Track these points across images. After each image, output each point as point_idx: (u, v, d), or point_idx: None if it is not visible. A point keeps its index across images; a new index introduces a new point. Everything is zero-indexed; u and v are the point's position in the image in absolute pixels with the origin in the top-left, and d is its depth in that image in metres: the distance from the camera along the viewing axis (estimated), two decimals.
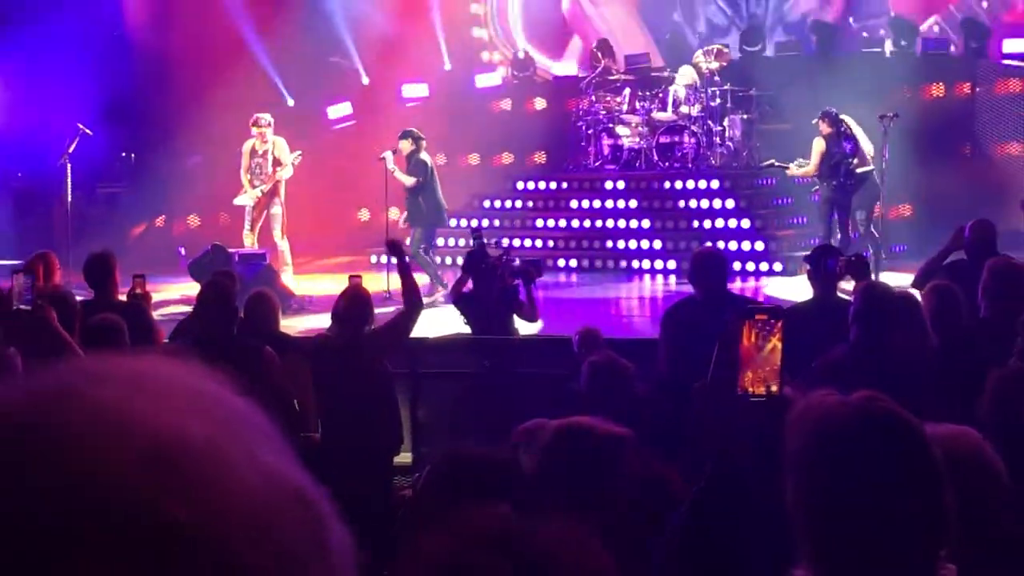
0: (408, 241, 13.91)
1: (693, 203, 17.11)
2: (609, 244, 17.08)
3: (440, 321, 11.23)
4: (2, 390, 0.75)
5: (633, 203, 17.21)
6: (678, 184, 17.31)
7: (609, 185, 17.57)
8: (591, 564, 1.39)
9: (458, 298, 9.93)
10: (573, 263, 16.84)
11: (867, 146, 14.70)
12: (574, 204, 17.80)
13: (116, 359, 0.78)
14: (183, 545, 0.68)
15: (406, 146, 14.55)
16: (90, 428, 0.70)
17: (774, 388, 2.92)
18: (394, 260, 8.57)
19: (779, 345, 2.94)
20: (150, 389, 0.75)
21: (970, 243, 8.88)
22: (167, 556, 0.68)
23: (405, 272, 8.10)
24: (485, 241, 10.40)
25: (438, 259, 15.83)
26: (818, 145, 14.38)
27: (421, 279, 10.84)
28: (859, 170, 14.40)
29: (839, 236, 14.00)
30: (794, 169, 14.81)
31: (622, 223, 17.02)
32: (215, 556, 0.69)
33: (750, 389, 2.91)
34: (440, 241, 17.52)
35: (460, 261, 10.92)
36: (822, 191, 14.43)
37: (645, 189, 17.50)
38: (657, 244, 16.70)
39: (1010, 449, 3.40)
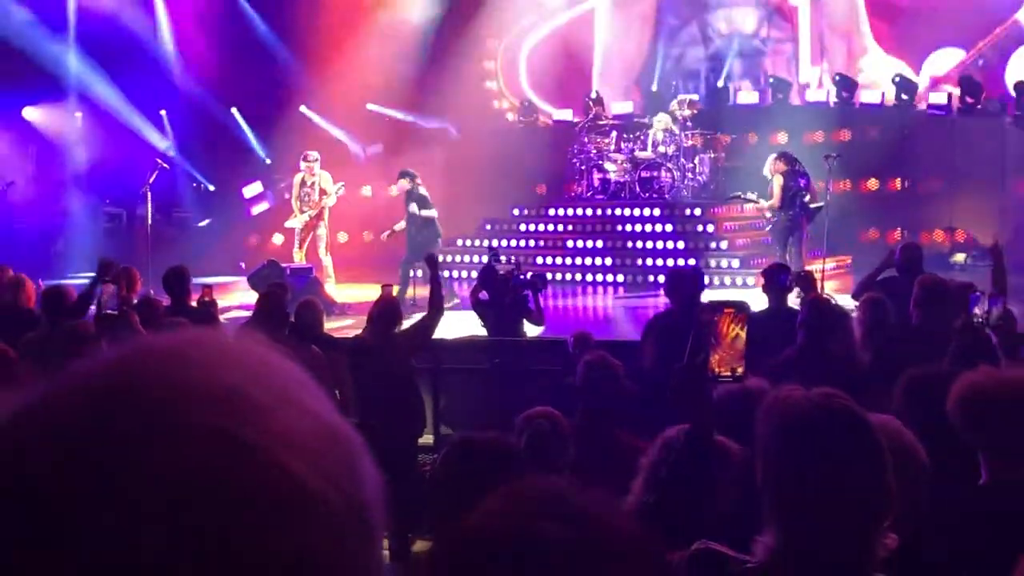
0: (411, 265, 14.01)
1: (638, 227, 17.14)
2: (578, 260, 17.11)
3: (459, 325, 11.23)
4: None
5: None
6: (626, 211, 17.38)
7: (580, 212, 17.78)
8: (634, 527, 1.35)
9: (476, 304, 9.91)
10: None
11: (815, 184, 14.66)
12: (550, 227, 17.95)
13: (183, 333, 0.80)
14: (256, 464, 0.70)
15: (405, 183, 14.45)
16: (168, 380, 0.72)
17: (739, 371, 2.95)
18: (427, 270, 8.56)
19: (743, 335, 2.96)
20: (206, 352, 0.76)
21: (900, 262, 8.89)
22: (244, 472, 0.69)
23: (436, 281, 8.09)
24: (501, 257, 10.39)
25: (456, 273, 15.81)
26: (778, 181, 14.21)
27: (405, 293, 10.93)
28: (812, 205, 14.31)
29: (792, 259, 13.88)
30: (762, 202, 14.61)
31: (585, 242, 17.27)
32: (281, 474, 0.70)
33: (719, 371, 2.93)
34: (457, 258, 17.55)
35: (475, 274, 10.92)
36: (779, 221, 14.24)
37: (600, 216, 17.70)
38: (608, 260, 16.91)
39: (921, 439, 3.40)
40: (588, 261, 16.94)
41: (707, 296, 8.90)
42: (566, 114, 20.68)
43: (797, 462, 2.18)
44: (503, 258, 10.97)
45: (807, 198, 14.28)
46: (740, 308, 3.02)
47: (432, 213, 14.45)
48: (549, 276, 14.03)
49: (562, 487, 1.37)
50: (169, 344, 0.76)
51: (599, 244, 17.11)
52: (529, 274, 10.43)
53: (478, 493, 1.36)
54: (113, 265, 8.65)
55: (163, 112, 20.35)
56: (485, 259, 11.25)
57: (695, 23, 22.22)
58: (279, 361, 0.79)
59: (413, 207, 14.36)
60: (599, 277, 16.70)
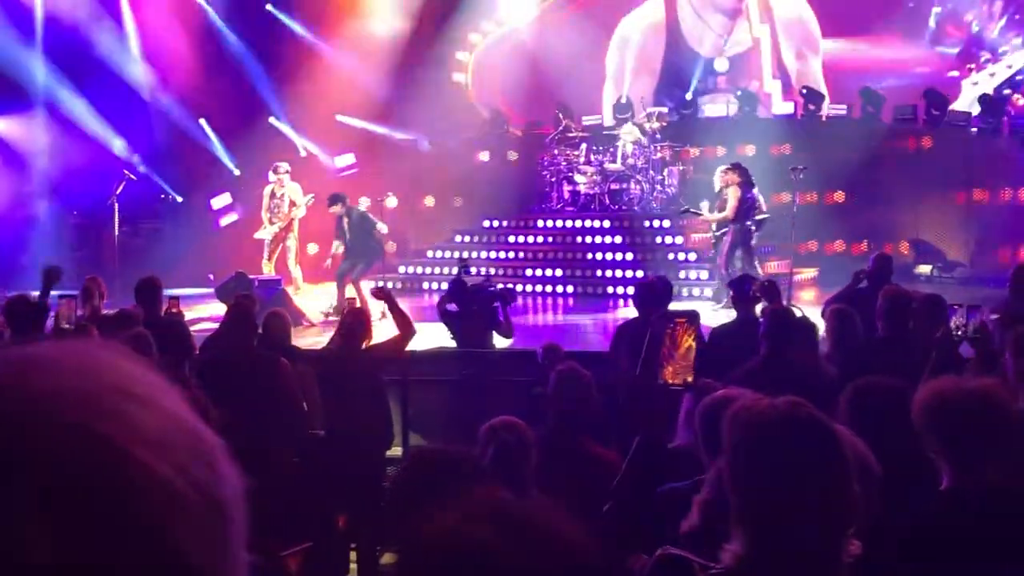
0: (353, 273, 14.10)
1: (605, 239, 17.27)
2: (538, 272, 17.23)
3: (427, 336, 11.22)
4: None
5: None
6: (595, 223, 17.50)
7: (540, 224, 17.80)
8: (571, 530, 1.40)
9: (444, 314, 9.92)
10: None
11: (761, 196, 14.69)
12: (522, 239, 17.98)
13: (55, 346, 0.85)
14: (114, 454, 0.76)
15: (338, 210, 14.36)
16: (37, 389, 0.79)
17: (689, 379, 2.97)
18: (382, 303, 8.50)
19: (694, 345, 2.98)
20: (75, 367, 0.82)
21: (871, 272, 8.98)
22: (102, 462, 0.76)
23: (395, 310, 8.03)
24: (472, 269, 10.42)
25: (426, 284, 15.81)
26: (734, 192, 14.19)
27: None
28: (758, 217, 14.37)
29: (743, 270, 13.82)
30: (712, 215, 14.56)
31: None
32: (138, 466, 0.77)
33: (670, 380, 2.95)
34: (428, 269, 17.55)
35: (446, 285, 10.92)
36: (733, 234, 14.18)
37: (560, 228, 17.83)
38: (559, 271, 17.06)
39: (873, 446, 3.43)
40: (548, 272, 17.04)
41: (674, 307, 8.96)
42: (536, 126, 20.74)
43: (763, 469, 2.20)
44: (473, 270, 10.98)
45: (758, 208, 14.34)
46: (691, 319, 3.05)
47: (383, 228, 14.47)
48: (520, 288, 14.11)
49: (510, 499, 1.46)
50: (31, 352, 0.82)
51: (565, 261, 17.22)
52: (499, 286, 10.45)
53: (434, 504, 1.44)
54: (58, 272, 8.61)
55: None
56: (455, 271, 11.26)
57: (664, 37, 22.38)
58: (136, 366, 0.85)
59: (355, 226, 14.32)
60: (558, 288, 16.86)
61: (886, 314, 6.81)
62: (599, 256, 17.02)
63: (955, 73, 20.41)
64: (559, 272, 17.06)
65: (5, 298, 8.73)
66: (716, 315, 12.49)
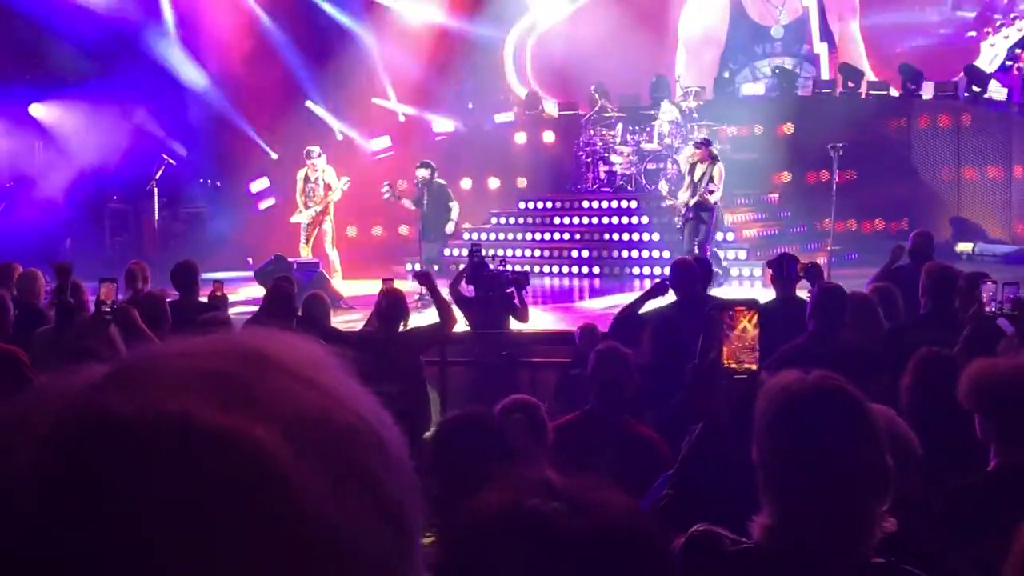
0: (425, 255, 14.14)
1: (637, 219, 17.20)
2: (574, 253, 17.23)
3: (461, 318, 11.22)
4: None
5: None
6: (632, 203, 17.44)
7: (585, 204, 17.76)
8: (626, 505, 1.41)
9: (460, 300, 9.87)
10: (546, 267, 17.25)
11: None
12: (557, 220, 17.99)
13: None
14: (268, 457, 0.68)
15: (424, 174, 14.42)
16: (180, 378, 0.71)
17: (752, 366, 2.95)
18: (424, 289, 8.48)
19: (755, 331, 2.96)
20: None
21: (912, 250, 8.89)
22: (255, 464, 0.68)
23: (436, 297, 8.04)
24: (484, 254, 10.37)
25: (462, 266, 15.83)
26: (720, 168, 13.87)
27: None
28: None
29: (699, 249, 13.54)
30: (715, 195, 13.93)
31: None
32: (291, 465, 0.69)
33: (732, 367, 2.94)
34: (464, 252, 17.56)
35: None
36: (717, 213, 13.97)
37: (594, 209, 17.81)
38: (585, 253, 17.05)
39: (926, 422, 3.39)
40: (584, 253, 16.99)
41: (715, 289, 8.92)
42: (571, 106, 20.67)
43: (791, 442, 2.19)
44: (488, 252, 10.95)
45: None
46: (751, 305, 3.04)
47: (456, 208, 14.53)
48: (556, 269, 14.07)
49: (553, 475, 1.43)
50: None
51: (594, 242, 17.13)
52: (515, 268, 10.45)
53: (473, 472, 1.44)
54: (67, 268, 8.73)
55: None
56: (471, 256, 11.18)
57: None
58: (301, 349, 0.78)
59: (434, 197, 14.32)
60: (583, 269, 16.88)
61: (930, 291, 6.74)
62: (626, 237, 16.93)
63: (973, 34, 20.75)
64: (585, 253, 17.04)
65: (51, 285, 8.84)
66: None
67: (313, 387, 0.75)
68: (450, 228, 14.55)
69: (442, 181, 14.63)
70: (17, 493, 0.66)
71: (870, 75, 20.01)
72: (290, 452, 0.69)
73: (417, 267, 14.22)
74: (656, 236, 16.22)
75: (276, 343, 0.77)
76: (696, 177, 13.87)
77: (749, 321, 2.95)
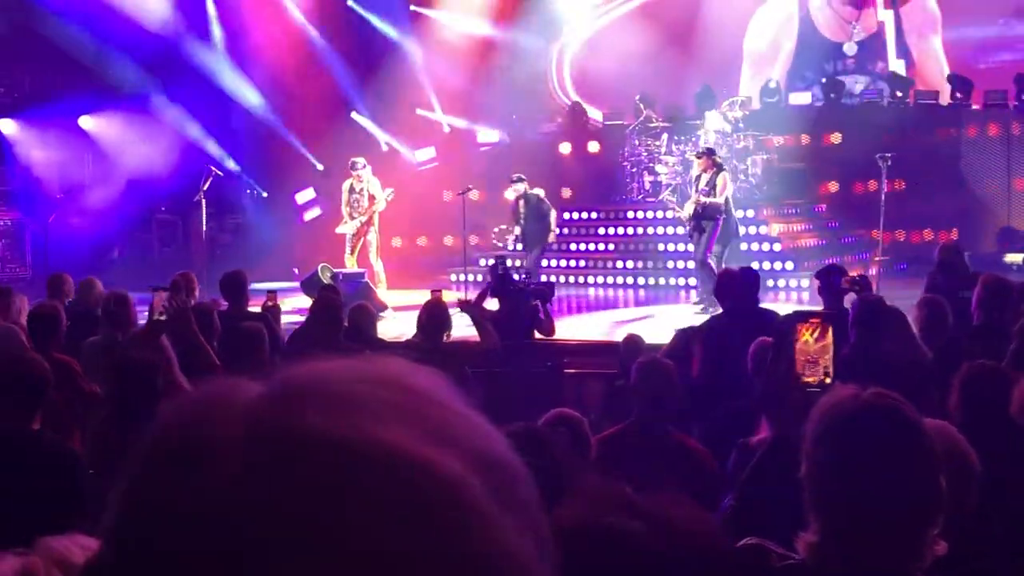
0: (524, 262, 14.45)
1: (661, 230, 17.24)
2: (620, 264, 17.25)
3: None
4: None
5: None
6: (649, 213, 17.49)
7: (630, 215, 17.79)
8: (700, 521, 1.41)
9: (479, 313, 9.79)
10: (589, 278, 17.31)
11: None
12: (602, 231, 17.98)
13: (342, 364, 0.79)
14: (448, 489, 0.70)
15: (521, 187, 14.79)
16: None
17: (827, 380, 2.92)
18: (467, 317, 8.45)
19: (830, 344, 2.93)
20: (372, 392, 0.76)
21: (938, 262, 8.82)
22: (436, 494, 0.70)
23: (478, 325, 8.02)
24: (509, 261, 10.39)
25: (478, 277, 15.95)
26: (725, 176, 13.68)
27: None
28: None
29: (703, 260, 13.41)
30: (710, 199, 13.58)
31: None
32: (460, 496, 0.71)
33: (805, 379, 2.91)
34: (508, 262, 17.55)
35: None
36: (721, 222, 13.55)
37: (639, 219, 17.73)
38: (630, 264, 17.01)
39: (977, 438, 3.36)
40: (629, 264, 16.95)
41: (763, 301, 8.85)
42: (617, 116, 20.66)
43: (840, 458, 2.18)
44: (509, 262, 10.95)
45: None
46: (827, 319, 3.02)
47: (554, 216, 14.86)
48: (601, 280, 14.03)
49: (628, 489, 1.44)
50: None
51: (638, 252, 17.07)
52: (543, 278, 10.47)
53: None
54: (64, 279, 8.85)
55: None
56: (494, 270, 11.17)
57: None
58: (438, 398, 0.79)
59: (532, 210, 14.60)
60: (628, 280, 16.82)
61: (985, 302, 6.67)
62: (671, 247, 16.88)
63: None
64: (630, 264, 17.01)
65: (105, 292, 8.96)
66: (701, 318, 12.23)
67: (477, 423, 0.78)
68: (552, 237, 14.87)
69: (538, 191, 14.81)
70: (217, 510, 0.68)
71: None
72: (482, 489, 0.71)
73: (476, 278, 14.23)
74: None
75: (429, 378, 0.80)
76: (701, 186, 13.75)
77: (823, 333, 2.93)
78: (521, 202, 14.78)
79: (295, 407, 0.72)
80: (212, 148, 20.24)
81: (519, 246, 15.11)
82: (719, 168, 13.72)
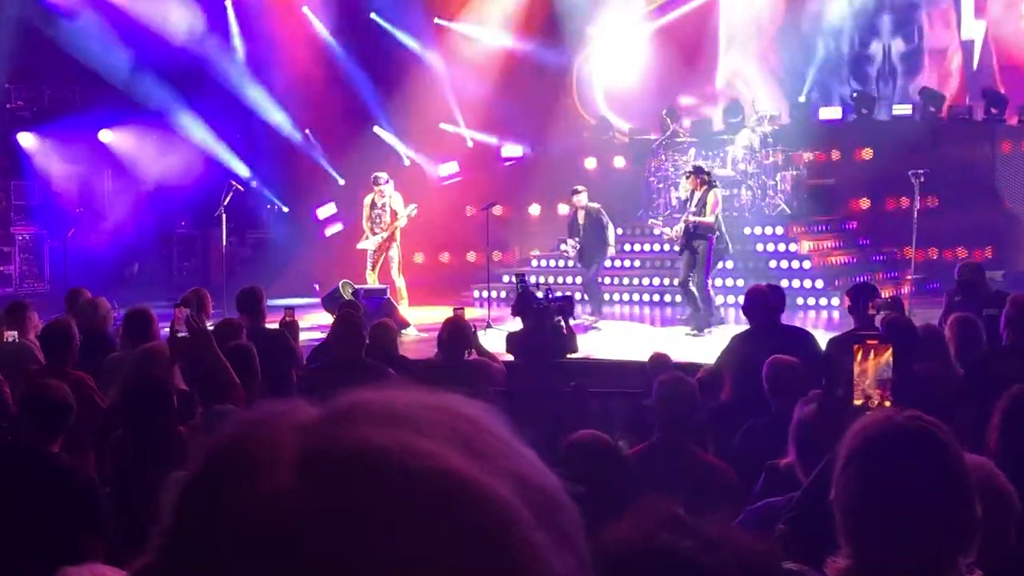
0: (592, 273, 14.47)
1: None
2: (646, 281, 17.25)
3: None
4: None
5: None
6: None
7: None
8: (753, 543, 1.43)
9: (510, 341, 9.78)
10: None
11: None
12: (627, 247, 17.85)
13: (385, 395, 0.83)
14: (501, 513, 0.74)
15: (582, 199, 14.61)
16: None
17: (885, 403, 2.89)
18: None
19: (888, 366, 2.90)
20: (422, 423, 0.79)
21: (961, 282, 8.78)
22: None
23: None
24: (532, 278, 10.42)
25: (502, 294, 15.91)
26: (715, 194, 13.43)
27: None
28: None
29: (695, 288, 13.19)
30: (672, 231, 13.62)
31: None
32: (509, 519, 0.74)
33: (863, 403, 2.89)
34: (533, 279, 17.53)
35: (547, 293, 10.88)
36: (714, 242, 13.33)
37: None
38: (656, 281, 16.97)
39: (1018, 463, 3.33)
40: (656, 281, 16.90)
41: (788, 318, 8.83)
42: (643, 131, 20.66)
43: (872, 483, 2.16)
44: (533, 279, 10.99)
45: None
46: (885, 339, 3.00)
47: (611, 231, 14.69)
48: (627, 297, 13.98)
49: (678, 509, 1.49)
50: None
51: (665, 269, 16.98)
52: (557, 294, 10.47)
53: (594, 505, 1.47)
54: (81, 294, 8.90)
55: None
56: (519, 285, 11.16)
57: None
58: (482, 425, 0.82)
59: (592, 223, 14.49)
60: (655, 297, 16.84)
61: (1015, 322, 6.64)
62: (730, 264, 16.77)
63: None
64: (656, 281, 16.96)
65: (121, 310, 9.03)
66: (698, 343, 12.17)
67: (523, 451, 0.81)
68: (611, 251, 14.77)
69: (596, 205, 14.73)
70: (272, 519, 0.71)
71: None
72: (528, 514, 0.75)
73: (479, 296, 14.19)
74: (730, 264, 16.11)
75: (479, 408, 0.83)
76: (692, 205, 13.47)
77: (881, 355, 2.90)
78: (581, 214, 14.61)
79: (349, 424, 0.76)
80: (233, 163, 20.36)
81: (571, 262, 14.92)
82: (709, 185, 13.50)
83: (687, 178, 13.95)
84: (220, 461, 0.76)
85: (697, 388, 5.53)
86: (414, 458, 0.73)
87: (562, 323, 9.77)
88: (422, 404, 0.80)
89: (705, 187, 13.43)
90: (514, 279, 12.17)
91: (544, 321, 9.75)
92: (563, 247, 14.76)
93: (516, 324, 10.46)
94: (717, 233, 13.41)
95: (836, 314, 14.56)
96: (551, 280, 17.49)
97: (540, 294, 10.42)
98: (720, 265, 15.44)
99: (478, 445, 0.77)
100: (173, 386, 5.72)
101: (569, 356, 10.17)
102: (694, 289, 13.18)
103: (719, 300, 14.51)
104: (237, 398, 5.63)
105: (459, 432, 0.77)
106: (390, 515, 0.71)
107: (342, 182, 21.01)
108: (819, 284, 15.86)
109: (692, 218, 13.31)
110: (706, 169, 14.00)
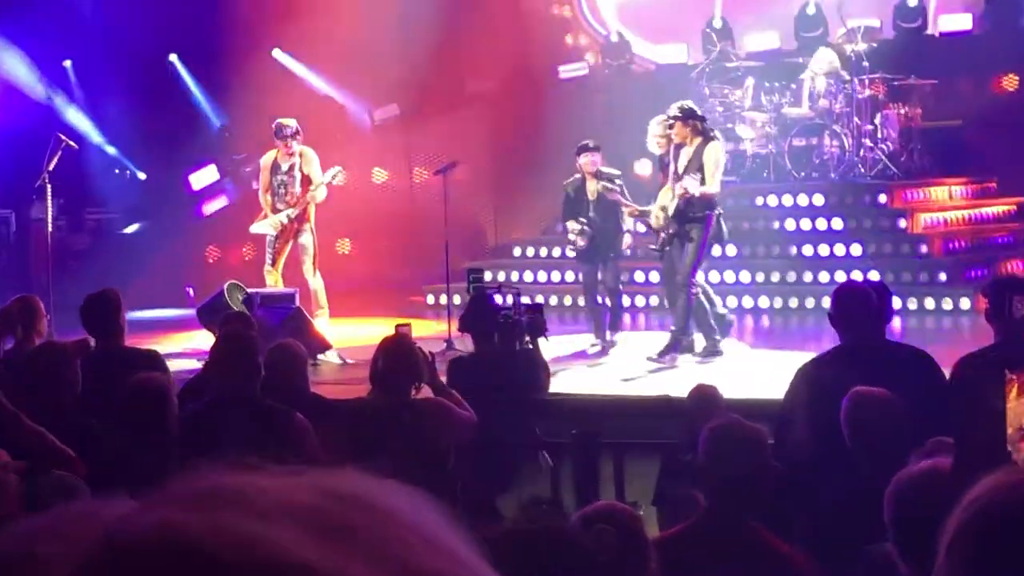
0: (611, 275, 14.03)
1: (790, 223, 17.26)
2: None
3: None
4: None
5: None
6: (771, 200, 17.51)
7: None
8: None
9: (455, 370, 9.73)
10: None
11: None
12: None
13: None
14: None
15: (596, 160, 14.04)
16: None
17: None
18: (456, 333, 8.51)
19: None
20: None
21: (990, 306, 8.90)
22: None
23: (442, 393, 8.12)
24: (493, 285, 10.45)
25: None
26: (715, 151, 12.93)
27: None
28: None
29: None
30: (704, 188, 12.66)
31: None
32: None
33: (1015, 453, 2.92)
34: (515, 275, 17.52)
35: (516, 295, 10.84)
36: (714, 221, 12.87)
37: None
38: (745, 277, 16.96)
39: None
40: (716, 277, 16.95)
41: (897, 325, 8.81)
42: (676, 53, 20.72)
43: (989, 559, 2.20)
44: (489, 276, 11.03)
45: None
46: None
47: (629, 213, 14.05)
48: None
49: None
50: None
51: (729, 251, 17.02)
52: (523, 301, 10.53)
53: None
54: None
55: (67, 63, 20.65)
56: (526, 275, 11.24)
57: None
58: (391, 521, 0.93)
59: (603, 200, 13.70)
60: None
61: None
62: (794, 250, 16.99)
63: None
64: (734, 275, 17.08)
65: None
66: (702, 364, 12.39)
67: (432, 544, 0.91)
68: (626, 239, 14.25)
69: (616, 171, 14.16)
70: None
71: None
72: None
73: (447, 299, 14.21)
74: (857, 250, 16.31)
75: (407, 499, 0.97)
76: (681, 168, 12.88)
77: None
78: (591, 185, 13.86)
79: (158, 509, 0.86)
80: (63, 106, 20.32)
81: (573, 253, 14.12)
82: (706, 136, 12.95)
83: (668, 126, 13.23)
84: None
85: (766, 439, 5.56)
86: (231, 546, 0.80)
87: (529, 344, 9.78)
88: (293, 487, 0.90)
89: (700, 138, 12.89)
90: (468, 277, 12.14)
91: (510, 341, 9.74)
92: (570, 231, 13.71)
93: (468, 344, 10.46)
94: (719, 210, 13.00)
95: (966, 320, 14.64)
96: (542, 278, 17.60)
97: (502, 299, 10.41)
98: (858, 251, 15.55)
99: (363, 535, 0.87)
100: None
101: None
102: (679, 295, 12.78)
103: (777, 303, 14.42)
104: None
105: (331, 517, 0.87)
106: None
107: (227, 134, 20.99)
108: (941, 277, 15.93)
109: (691, 187, 12.64)
110: (699, 112, 13.34)
